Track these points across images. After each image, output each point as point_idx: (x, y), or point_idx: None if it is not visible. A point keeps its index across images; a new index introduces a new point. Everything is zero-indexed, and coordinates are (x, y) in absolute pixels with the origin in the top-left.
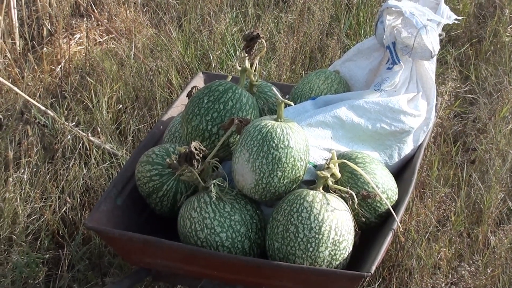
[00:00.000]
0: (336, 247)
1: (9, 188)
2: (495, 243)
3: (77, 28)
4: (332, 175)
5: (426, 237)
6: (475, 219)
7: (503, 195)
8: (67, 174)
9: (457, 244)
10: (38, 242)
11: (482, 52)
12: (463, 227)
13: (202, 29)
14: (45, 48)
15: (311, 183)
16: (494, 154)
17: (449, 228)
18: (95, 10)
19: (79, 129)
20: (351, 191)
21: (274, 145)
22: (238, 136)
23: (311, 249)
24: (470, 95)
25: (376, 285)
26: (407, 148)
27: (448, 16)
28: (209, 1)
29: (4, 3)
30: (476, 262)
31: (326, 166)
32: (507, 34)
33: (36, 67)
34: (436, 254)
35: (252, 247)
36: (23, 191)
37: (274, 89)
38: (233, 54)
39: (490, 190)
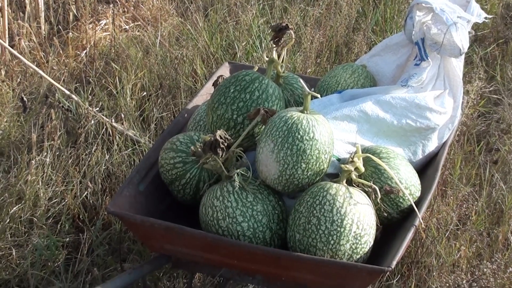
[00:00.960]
0: (357, 241)
1: (31, 171)
2: None
3: (103, 14)
4: (356, 169)
5: (446, 235)
6: (496, 219)
7: None
8: (89, 159)
9: (477, 243)
10: (59, 225)
11: (509, 53)
12: (483, 227)
13: (228, 20)
14: (70, 33)
15: (334, 176)
16: None
17: (469, 227)
18: None
19: (103, 115)
20: (374, 186)
21: (299, 136)
22: (263, 127)
23: (332, 242)
24: (495, 96)
25: (395, 281)
26: (432, 145)
27: (478, 14)
28: None
29: None
30: (497, 261)
31: (350, 159)
32: None
33: (61, 51)
34: (456, 252)
35: (273, 238)
36: (45, 174)
37: (300, 81)
38: (259, 46)
39: None
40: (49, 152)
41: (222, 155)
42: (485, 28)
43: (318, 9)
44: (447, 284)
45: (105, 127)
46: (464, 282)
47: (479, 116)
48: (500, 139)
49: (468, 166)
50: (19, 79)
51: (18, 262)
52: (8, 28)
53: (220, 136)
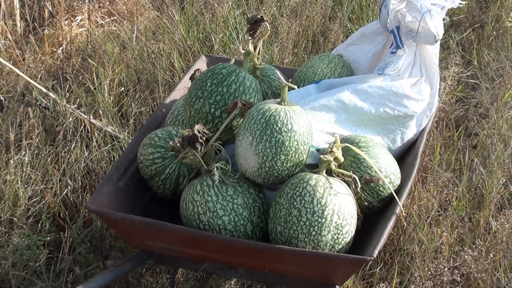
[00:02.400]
0: (338, 231)
1: (10, 170)
2: (496, 228)
3: (78, 10)
4: (335, 159)
5: (427, 222)
6: (477, 204)
7: (504, 180)
8: (68, 156)
9: (458, 228)
10: (39, 224)
11: (485, 37)
12: (464, 212)
13: (204, 12)
14: (46, 30)
15: (314, 167)
16: (496, 139)
17: (450, 212)
18: None
19: (81, 112)
20: (354, 175)
21: (277, 128)
22: (242, 119)
23: (313, 233)
24: (472, 80)
25: (378, 269)
26: (410, 132)
27: (452, 0)
28: None
29: None
30: (478, 247)
31: (329, 150)
32: (509, 19)
33: (37, 49)
34: (437, 238)
35: (255, 231)
36: (24, 173)
37: (277, 72)
38: (236, 37)
39: (492, 175)
40: (27, 151)
41: (200, 150)
42: (461, 13)
43: None
44: (429, 272)
45: (83, 124)
46: (446, 269)
47: (457, 101)
48: (479, 123)
49: (447, 152)
50: None
51: None
52: None
53: (198, 130)
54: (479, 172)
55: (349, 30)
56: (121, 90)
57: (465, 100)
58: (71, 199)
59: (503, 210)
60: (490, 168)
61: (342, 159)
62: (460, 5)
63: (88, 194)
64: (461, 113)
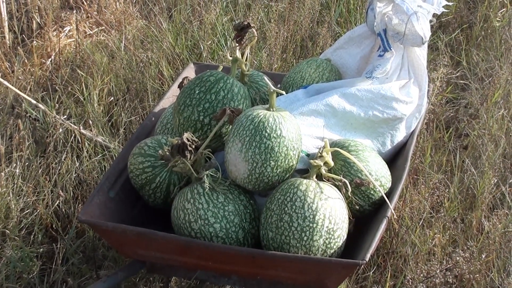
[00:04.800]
0: (330, 236)
1: (1, 183)
2: (489, 228)
3: (66, 21)
4: (325, 163)
5: (420, 224)
6: (469, 204)
7: (496, 180)
8: (59, 167)
9: (451, 230)
10: (32, 236)
11: (473, 37)
12: (456, 213)
13: (192, 20)
14: (35, 42)
15: (304, 172)
16: (487, 140)
17: (443, 214)
18: (85, 2)
19: (71, 122)
20: (344, 179)
21: (266, 134)
22: (230, 127)
23: (305, 238)
24: (461, 81)
25: (371, 272)
26: (400, 135)
27: (438, 3)
28: None
29: None
30: (470, 248)
31: (319, 154)
32: (497, 19)
33: (26, 60)
34: (430, 240)
35: (247, 237)
36: (15, 185)
37: (265, 78)
38: (224, 44)
39: (483, 175)
40: (18, 163)
41: (190, 158)
42: (449, 14)
43: (282, 4)
44: (421, 274)
45: (73, 134)
46: (438, 271)
47: (447, 102)
48: (469, 124)
49: (438, 153)
50: None
51: None
52: None
53: (187, 138)
54: (470, 173)
55: (338, 34)
56: (110, 99)
57: (455, 101)
58: (63, 210)
59: (495, 210)
60: (482, 168)
61: (332, 163)
62: (445, 10)
63: (80, 205)
64: (451, 114)
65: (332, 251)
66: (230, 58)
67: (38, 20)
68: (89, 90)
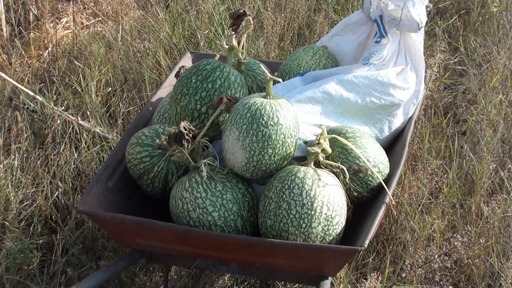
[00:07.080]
0: (329, 223)
1: (0, 175)
2: (488, 213)
3: (63, 12)
4: (323, 150)
5: (419, 210)
6: (468, 190)
7: (494, 165)
8: (58, 159)
9: (450, 215)
10: (31, 228)
11: (471, 23)
12: (455, 199)
13: (189, 9)
14: (32, 33)
15: (302, 160)
16: (485, 125)
17: (441, 200)
18: None
19: (69, 114)
20: (342, 166)
21: (263, 122)
22: (228, 115)
23: (304, 225)
24: (459, 67)
25: (371, 259)
26: (397, 121)
27: None
28: None
29: None
30: (469, 233)
31: (317, 141)
32: (494, 4)
33: (23, 52)
34: (429, 226)
35: (245, 226)
36: (14, 177)
37: (262, 66)
38: (221, 33)
39: (482, 160)
40: (17, 155)
41: (187, 146)
42: (446, 0)
43: None
44: (420, 260)
45: (72, 125)
46: (436, 256)
47: (445, 88)
48: (467, 109)
49: (436, 139)
50: None
51: None
52: None
53: (184, 127)
54: (469, 158)
55: (335, 22)
56: (108, 90)
57: (453, 87)
58: (62, 201)
59: (494, 195)
60: (480, 153)
61: (329, 150)
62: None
63: (79, 196)
64: (449, 100)
65: (330, 238)
66: (226, 47)
67: (35, 12)
68: (86, 81)
